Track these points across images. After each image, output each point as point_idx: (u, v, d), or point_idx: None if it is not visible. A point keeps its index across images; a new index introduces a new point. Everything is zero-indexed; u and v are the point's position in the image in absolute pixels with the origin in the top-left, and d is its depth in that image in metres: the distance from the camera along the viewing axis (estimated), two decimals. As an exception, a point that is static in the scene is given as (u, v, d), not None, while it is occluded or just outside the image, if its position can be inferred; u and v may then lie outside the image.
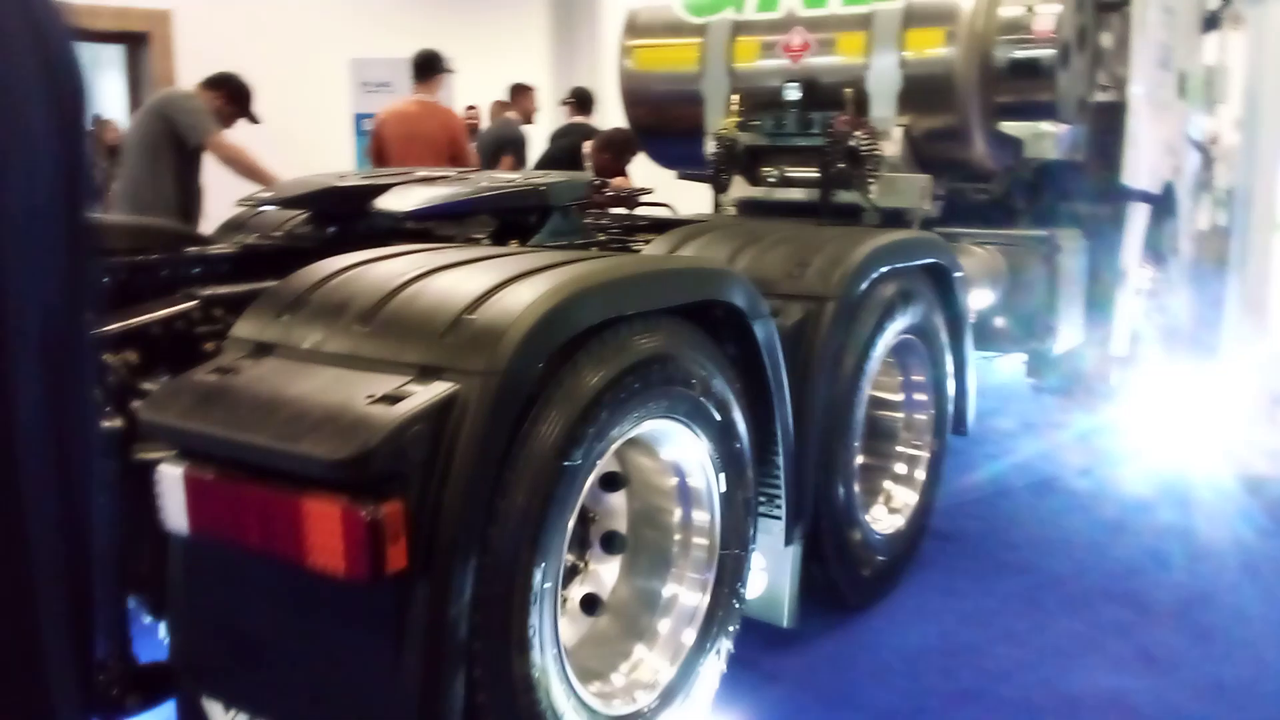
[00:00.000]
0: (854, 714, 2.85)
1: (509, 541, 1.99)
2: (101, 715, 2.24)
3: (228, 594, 2.08)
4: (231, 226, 4.01)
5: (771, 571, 2.96)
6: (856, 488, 3.29)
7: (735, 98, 4.71)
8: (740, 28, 4.81)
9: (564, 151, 6.94)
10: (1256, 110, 6.65)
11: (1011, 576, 3.78)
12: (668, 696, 2.52)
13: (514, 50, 10.63)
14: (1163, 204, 5.62)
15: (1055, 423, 5.65)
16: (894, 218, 4.39)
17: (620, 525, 2.66)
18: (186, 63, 8.37)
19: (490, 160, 7.42)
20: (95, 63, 10.35)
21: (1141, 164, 5.15)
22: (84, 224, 1.41)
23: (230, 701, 2.10)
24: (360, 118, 7.83)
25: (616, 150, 6.22)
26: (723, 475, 2.59)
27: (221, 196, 4.42)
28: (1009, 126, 4.55)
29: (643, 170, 6.12)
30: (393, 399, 1.85)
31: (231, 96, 5.41)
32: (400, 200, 3.17)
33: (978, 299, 4.43)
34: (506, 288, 2.09)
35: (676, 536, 2.65)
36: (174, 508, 1.95)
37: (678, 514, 2.64)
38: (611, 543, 2.66)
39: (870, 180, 4.31)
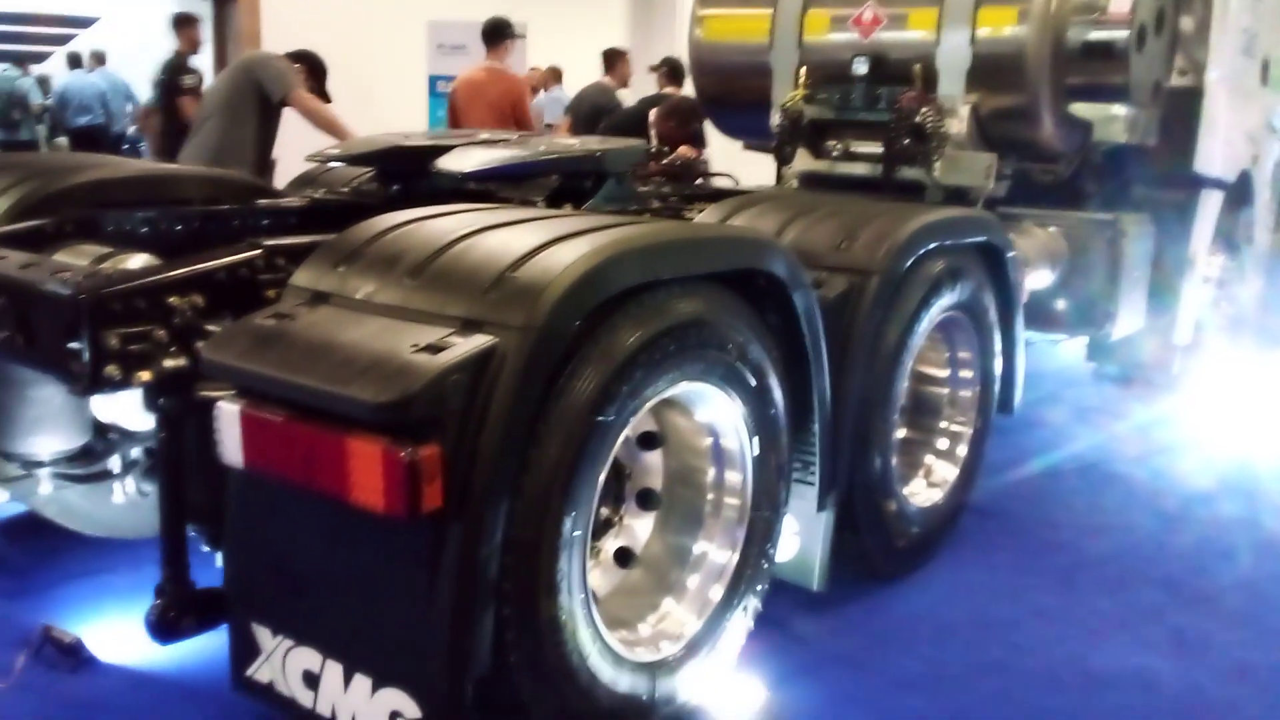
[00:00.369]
0: (876, 678, 2.92)
1: (540, 490, 2.10)
2: (160, 636, 2.41)
3: (277, 526, 2.22)
4: (302, 181, 4.17)
5: (804, 536, 3.03)
6: (894, 460, 3.34)
7: (803, 70, 4.73)
8: (811, 1, 4.82)
9: (631, 118, 7.00)
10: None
11: (1049, 555, 3.80)
12: (693, 648, 2.62)
13: (591, 17, 10.66)
14: (1238, 192, 5.51)
15: (1113, 410, 5.60)
16: (957, 196, 4.39)
17: (655, 483, 2.76)
18: (271, 22, 8.58)
19: (588, 126, 7.47)
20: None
21: (1216, 151, 5.06)
22: None
23: (278, 628, 2.24)
24: (435, 79, 7.95)
25: (681, 118, 6.28)
26: (756, 439, 2.67)
27: (298, 154, 4.57)
28: (1079, 108, 4.51)
29: (713, 142, 6.17)
30: (435, 349, 1.96)
31: (311, 71, 5.64)
32: (460, 161, 3.28)
33: (1035, 280, 4.42)
34: (549, 248, 2.19)
35: (709, 496, 2.74)
36: (230, 443, 2.08)
37: (711, 474, 2.73)
38: (646, 499, 2.75)
39: (934, 157, 4.32)
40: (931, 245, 3.26)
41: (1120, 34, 4.23)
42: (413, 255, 2.24)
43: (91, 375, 2.23)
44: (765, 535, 2.78)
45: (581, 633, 2.27)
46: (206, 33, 9.53)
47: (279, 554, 2.23)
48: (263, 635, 2.25)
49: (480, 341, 2.00)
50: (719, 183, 4.78)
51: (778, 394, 2.71)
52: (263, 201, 3.50)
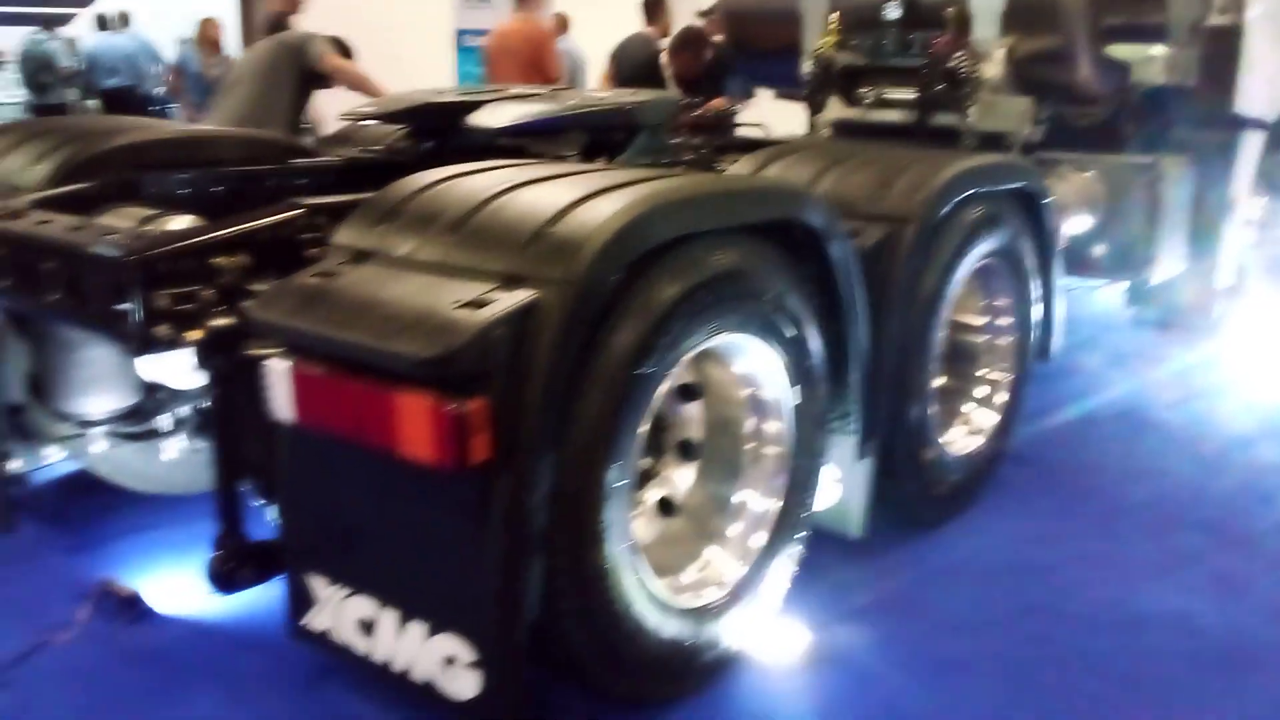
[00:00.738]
0: (919, 622, 2.95)
1: (583, 441, 2.14)
2: (220, 587, 2.48)
3: (329, 479, 2.27)
4: (335, 140, 4.20)
5: (844, 484, 3.05)
6: (933, 408, 3.35)
7: (834, 16, 4.67)
8: (843, -55, 4.75)
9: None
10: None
11: (1089, 502, 3.80)
12: (736, 594, 2.66)
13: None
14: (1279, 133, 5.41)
15: (1152, 355, 5.55)
16: (992, 141, 4.34)
17: (695, 433, 2.79)
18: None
19: (630, 80, 7.37)
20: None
21: (1257, 91, 4.95)
22: None
23: (333, 577, 2.30)
24: (462, 33, 7.92)
25: (694, 49, 6.25)
26: (795, 389, 2.69)
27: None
28: (1117, 49, 4.44)
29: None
30: (478, 304, 1.99)
31: (340, 51, 5.66)
32: (492, 117, 3.30)
33: (1073, 225, 4.38)
34: (587, 202, 2.20)
35: (749, 445, 2.77)
36: (281, 399, 2.13)
37: (750, 424, 2.75)
38: (687, 450, 2.78)
39: (969, 103, 4.27)
40: (968, 192, 3.24)
41: (1158, -29, 4.15)
42: (451, 212, 2.27)
43: (142, 335, 2.29)
44: (805, 483, 2.81)
45: (627, 580, 2.32)
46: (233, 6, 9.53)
47: (332, 506, 2.28)
48: (318, 585, 2.31)
49: (522, 296, 2.02)
50: (750, 133, 4.75)
51: (815, 344, 2.72)
52: (298, 161, 3.53)
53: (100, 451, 3.16)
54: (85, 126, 3.45)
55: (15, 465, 3.05)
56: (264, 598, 2.63)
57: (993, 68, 4.37)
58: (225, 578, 2.46)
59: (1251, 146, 5.12)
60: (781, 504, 2.77)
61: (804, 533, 2.84)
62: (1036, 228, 3.71)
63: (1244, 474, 4.02)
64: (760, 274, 2.51)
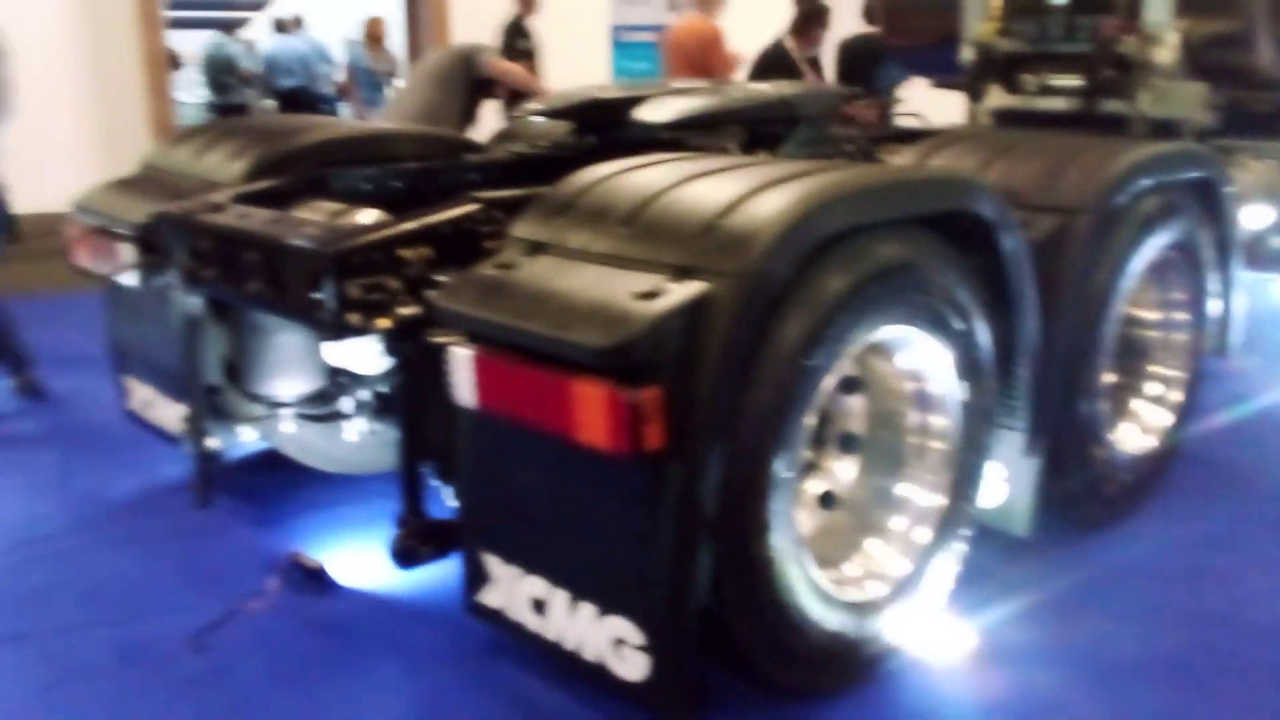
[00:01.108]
0: (1087, 626, 2.87)
1: (752, 431, 2.17)
2: (401, 563, 2.62)
3: (506, 462, 2.37)
4: (502, 137, 4.33)
5: (1011, 482, 3.00)
6: (1103, 405, 3.25)
7: (996, 2, 4.56)
8: (1006, -72, 4.63)
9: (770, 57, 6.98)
10: None
11: (1268, 504, 3.62)
12: (900, 590, 2.65)
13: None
14: None
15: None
16: (1165, 129, 4.18)
17: (857, 427, 2.78)
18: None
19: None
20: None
21: None
22: None
23: (507, 557, 2.40)
24: (618, 29, 8.02)
25: (815, 22, 6.59)
26: (962, 383, 2.66)
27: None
28: (1300, 30, 4.20)
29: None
30: (651, 295, 2.05)
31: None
32: (656, 111, 3.35)
33: (1253, 217, 4.18)
34: (757, 195, 2.23)
35: (913, 440, 2.75)
36: (464, 385, 2.23)
37: (915, 418, 2.73)
38: (848, 443, 2.79)
39: (1140, 88, 4.11)
40: (1144, 182, 3.13)
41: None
42: (624, 205, 2.33)
43: (336, 323, 2.43)
44: (971, 480, 2.77)
45: (792, 570, 2.34)
46: (398, 6, 9.86)
47: (509, 488, 2.38)
48: (493, 564, 2.42)
49: (694, 288, 2.07)
50: (908, 123, 4.67)
51: (984, 338, 2.69)
52: (470, 156, 3.67)
53: (288, 432, 3.35)
54: (275, 126, 3.66)
55: (212, 443, 3.26)
56: (441, 574, 2.76)
57: (1165, 52, 4.20)
58: (406, 554, 2.60)
59: None
60: (946, 500, 2.74)
61: (969, 530, 2.81)
62: (1216, 219, 3.56)
63: None
64: (929, 266, 2.49)
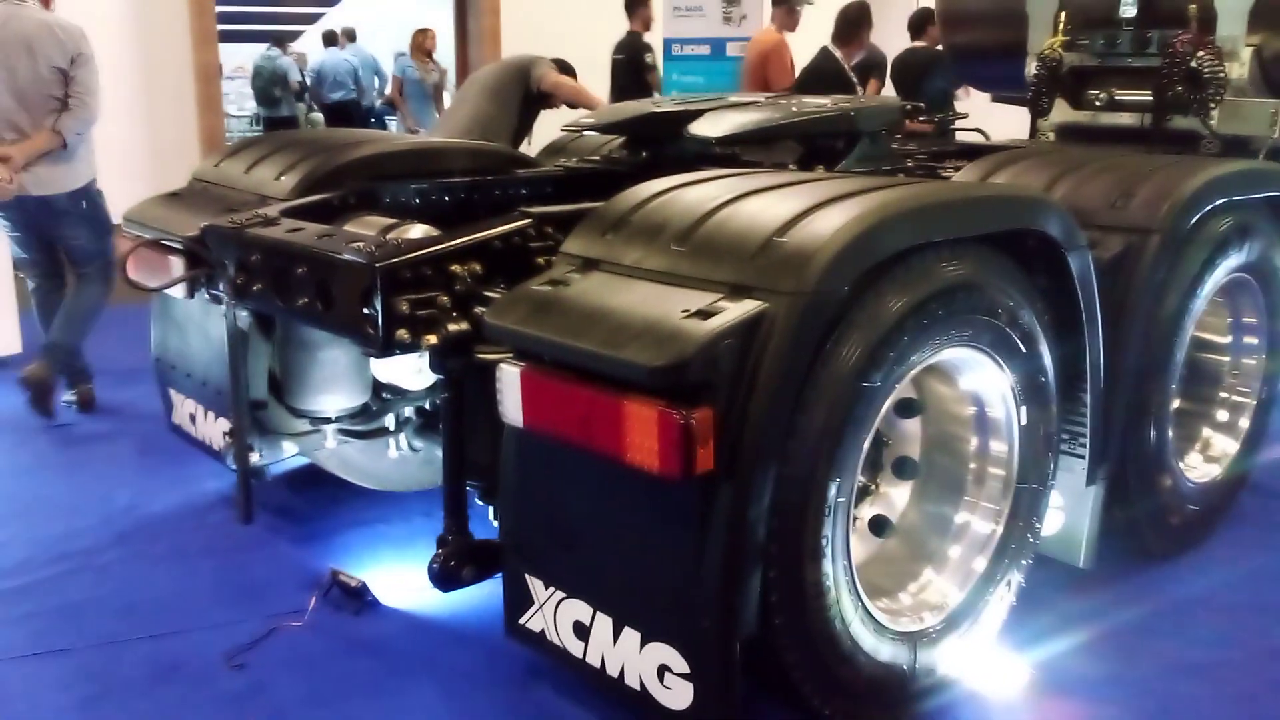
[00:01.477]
0: (1151, 661, 2.76)
1: (807, 454, 2.10)
2: (442, 584, 2.56)
3: (552, 483, 2.31)
4: (552, 150, 4.30)
5: (1070, 510, 2.90)
6: (1170, 432, 3.14)
7: (1063, 15, 4.45)
8: (1073, -60, 4.52)
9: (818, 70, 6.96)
10: None
11: (1342, 539, 3.49)
12: (954, 620, 2.56)
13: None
14: None
15: None
16: (1237, 146, 4.05)
17: (913, 451, 2.70)
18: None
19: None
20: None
21: None
22: None
23: (550, 580, 2.34)
24: (670, 42, 7.98)
25: (858, 28, 6.64)
26: (1024, 408, 2.56)
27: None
28: (1380, 45, 4.05)
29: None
30: (706, 314, 1.98)
31: (562, 70, 5.80)
32: (712, 126, 3.29)
33: (1328, 237, 4.03)
34: (815, 212, 2.16)
35: (972, 465, 2.66)
36: (511, 403, 2.18)
37: (974, 443, 2.65)
38: (903, 467, 2.70)
39: (1211, 105, 3.98)
40: (1218, 201, 3.02)
41: None
42: (678, 222, 2.27)
43: (384, 339, 2.39)
44: (1031, 508, 2.67)
45: (844, 599, 2.26)
46: (448, 19, 9.92)
47: (553, 510, 2.32)
48: (536, 586, 2.36)
49: (750, 307, 2.00)
50: (970, 138, 4.59)
51: (1048, 361, 2.59)
52: (521, 171, 3.63)
53: (330, 448, 3.33)
54: (326, 140, 3.65)
55: (255, 459, 3.24)
56: (482, 595, 2.71)
57: (1238, 67, 4.07)
58: (447, 575, 2.55)
59: None
60: (1004, 528, 2.64)
61: (1027, 560, 2.71)
62: (1290, 240, 3.43)
63: None
64: (993, 286, 2.40)
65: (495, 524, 2.53)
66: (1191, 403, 3.46)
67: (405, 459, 3.43)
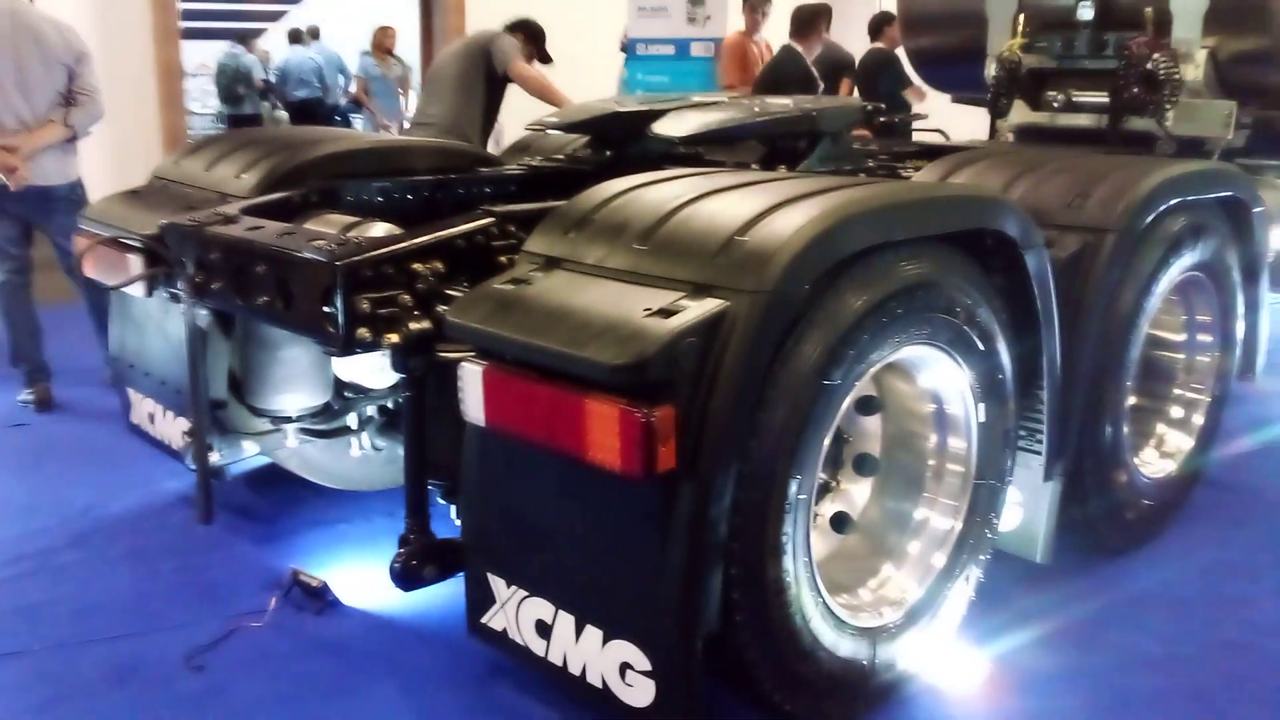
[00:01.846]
0: (1106, 655, 2.80)
1: (768, 452, 2.11)
2: (404, 584, 2.55)
3: (514, 482, 2.31)
4: (517, 148, 4.30)
5: (1028, 506, 2.93)
6: (1126, 428, 3.19)
7: (1021, 17, 4.51)
8: (1032, -57, 4.58)
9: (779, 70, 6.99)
10: None
11: (1292, 532, 3.56)
12: (913, 615, 2.59)
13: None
14: None
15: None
16: (1191, 147, 4.13)
17: (873, 448, 2.72)
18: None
19: (829, 85, 7.44)
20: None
21: None
22: None
23: (512, 579, 2.33)
24: (634, 42, 7.97)
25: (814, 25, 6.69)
26: (982, 405, 2.59)
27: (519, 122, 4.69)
28: (1332, 49, 4.13)
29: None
30: (667, 313, 1.99)
31: (529, 37, 5.76)
32: (675, 125, 3.30)
33: (1278, 237, 4.10)
34: (776, 211, 2.18)
35: (930, 462, 2.69)
36: (473, 401, 2.18)
37: (933, 440, 2.67)
38: (864, 464, 2.72)
39: (1167, 106, 4.05)
40: (1173, 201, 3.07)
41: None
42: (640, 221, 2.28)
43: (345, 337, 2.37)
44: (989, 504, 2.71)
45: (805, 595, 2.28)
46: (414, 16, 9.85)
47: (515, 509, 2.32)
48: (498, 585, 2.36)
49: (711, 305, 2.01)
50: (929, 139, 4.62)
51: (1006, 359, 2.63)
52: (485, 170, 3.63)
53: (291, 447, 3.30)
54: (288, 137, 3.63)
55: (215, 458, 3.21)
56: (444, 595, 2.70)
57: (1193, 69, 4.15)
58: (408, 575, 2.53)
59: None
60: (963, 524, 2.67)
61: (985, 555, 2.74)
62: (1244, 239, 3.49)
63: None
64: (951, 285, 2.43)
65: (457, 523, 2.52)
66: (1147, 400, 3.51)
67: (367, 458, 3.41)
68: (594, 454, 1.98)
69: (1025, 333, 2.69)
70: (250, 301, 2.64)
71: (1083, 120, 4.37)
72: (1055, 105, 4.42)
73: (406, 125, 11.50)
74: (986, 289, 2.56)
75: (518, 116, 5.25)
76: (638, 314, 2.00)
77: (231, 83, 11.94)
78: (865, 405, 2.64)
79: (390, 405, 3.35)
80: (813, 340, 2.15)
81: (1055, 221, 2.92)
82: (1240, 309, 3.56)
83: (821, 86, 6.79)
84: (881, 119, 4.14)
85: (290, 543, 3.39)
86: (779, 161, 3.45)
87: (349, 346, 2.38)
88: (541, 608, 2.28)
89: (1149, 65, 4.01)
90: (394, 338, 2.40)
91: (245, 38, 12.52)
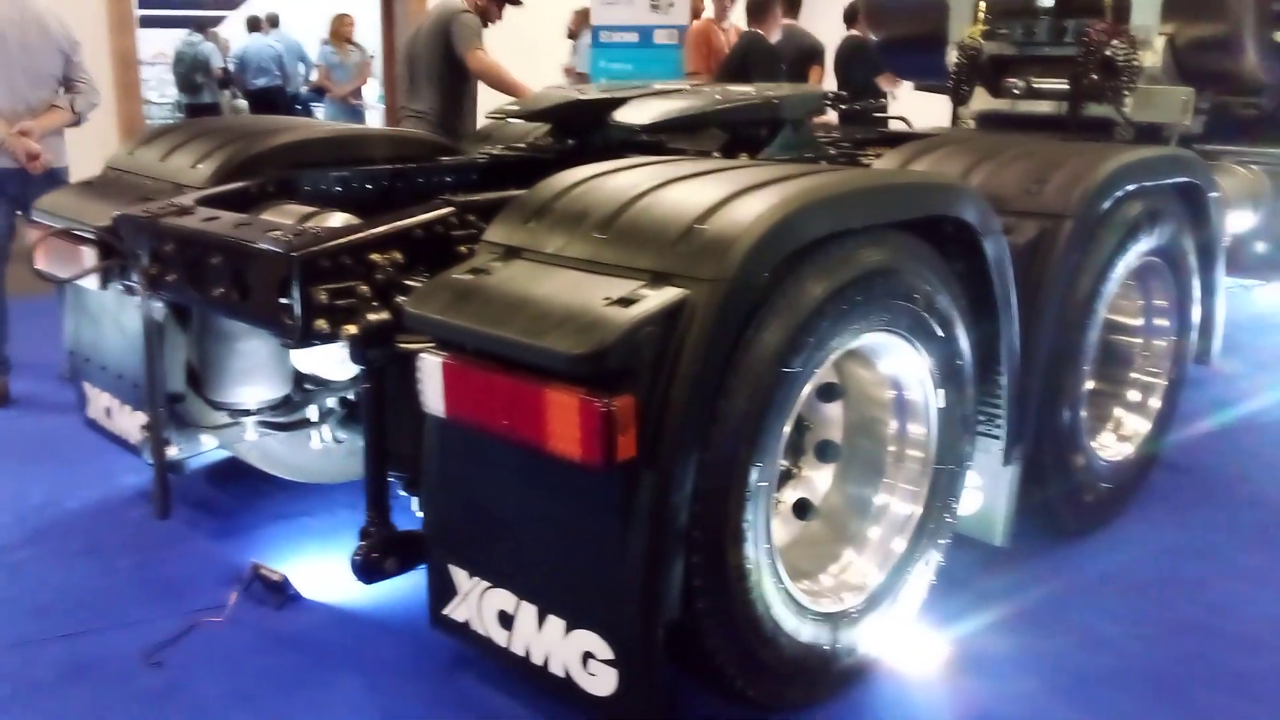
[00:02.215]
0: (1064, 636, 2.84)
1: (728, 440, 2.11)
2: (365, 576, 2.54)
3: (475, 473, 2.30)
4: (480, 137, 4.27)
5: (988, 490, 2.96)
6: (1084, 412, 3.22)
7: (983, 5, 4.53)
8: (992, -70, 4.60)
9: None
10: None
11: (1246, 512, 3.62)
12: (874, 600, 2.60)
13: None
14: None
15: (1316, 359, 5.25)
16: (1150, 133, 4.17)
17: (835, 435, 2.74)
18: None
19: (797, 73, 7.41)
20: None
21: None
22: None
23: (474, 570, 2.32)
24: (598, 29, 7.94)
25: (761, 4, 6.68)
26: (942, 391, 2.61)
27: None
28: (1286, 35, 4.19)
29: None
30: (627, 301, 1.99)
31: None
32: (637, 113, 3.29)
33: (1236, 222, 4.17)
34: (736, 199, 2.18)
35: (891, 448, 2.70)
36: (433, 392, 2.16)
37: (893, 426, 2.69)
38: (825, 451, 2.73)
39: (1126, 93, 4.09)
40: (1130, 187, 3.10)
41: (1335, -49, 3.91)
42: (600, 210, 2.27)
43: (303, 329, 2.35)
44: (949, 489, 2.73)
45: (766, 582, 2.28)
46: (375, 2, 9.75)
47: (476, 499, 2.31)
48: (459, 577, 2.35)
49: (671, 294, 2.01)
50: (892, 126, 4.63)
51: (965, 345, 2.64)
52: (445, 159, 3.60)
53: (250, 440, 3.27)
54: (245, 127, 3.58)
55: (172, 452, 3.17)
56: (406, 587, 2.69)
57: (1152, 56, 4.19)
58: (369, 567, 2.51)
59: None
60: (923, 509, 2.69)
61: (945, 539, 2.76)
62: (1200, 224, 3.53)
63: None
64: (911, 272, 2.44)
65: (419, 515, 2.51)
66: (1104, 384, 3.55)
67: (329, 450, 3.38)
68: (554, 444, 1.97)
69: (984, 318, 2.71)
70: (206, 294, 2.60)
71: (1043, 107, 4.40)
72: (1016, 92, 4.44)
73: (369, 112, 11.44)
74: (946, 275, 2.58)
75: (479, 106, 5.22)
76: (598, 303, 2.00)
77: (189, 71, 11.77)
78: (827, 392, 2.65)
79: (351, 397, 3.33)
80: (773, 328, 2.16)
81: (1013, 208, 2.94)
82: (1196, 293, 3.60)
83: (784, 69, 6.77)
84: (843, 106, 4.14)
85: (250, 537, 3.36)
86: (741, 149, 3.45)
87: (306, 338, 2.36)
88: (504, 598, 2.27)
89: (1108, 52, 4.05)
90: (352, 329, 2.37)
91: (203, 25, 12.35)
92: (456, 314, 2.12)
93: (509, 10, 5.73)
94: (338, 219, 2.72)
